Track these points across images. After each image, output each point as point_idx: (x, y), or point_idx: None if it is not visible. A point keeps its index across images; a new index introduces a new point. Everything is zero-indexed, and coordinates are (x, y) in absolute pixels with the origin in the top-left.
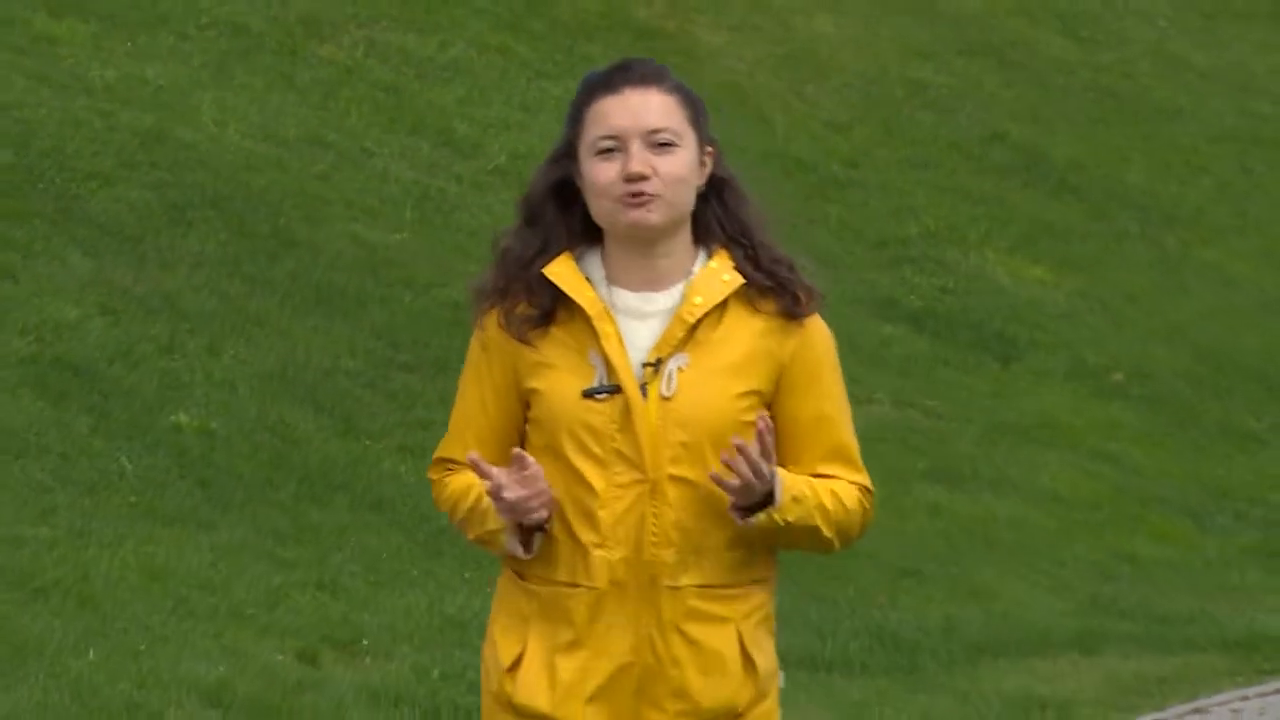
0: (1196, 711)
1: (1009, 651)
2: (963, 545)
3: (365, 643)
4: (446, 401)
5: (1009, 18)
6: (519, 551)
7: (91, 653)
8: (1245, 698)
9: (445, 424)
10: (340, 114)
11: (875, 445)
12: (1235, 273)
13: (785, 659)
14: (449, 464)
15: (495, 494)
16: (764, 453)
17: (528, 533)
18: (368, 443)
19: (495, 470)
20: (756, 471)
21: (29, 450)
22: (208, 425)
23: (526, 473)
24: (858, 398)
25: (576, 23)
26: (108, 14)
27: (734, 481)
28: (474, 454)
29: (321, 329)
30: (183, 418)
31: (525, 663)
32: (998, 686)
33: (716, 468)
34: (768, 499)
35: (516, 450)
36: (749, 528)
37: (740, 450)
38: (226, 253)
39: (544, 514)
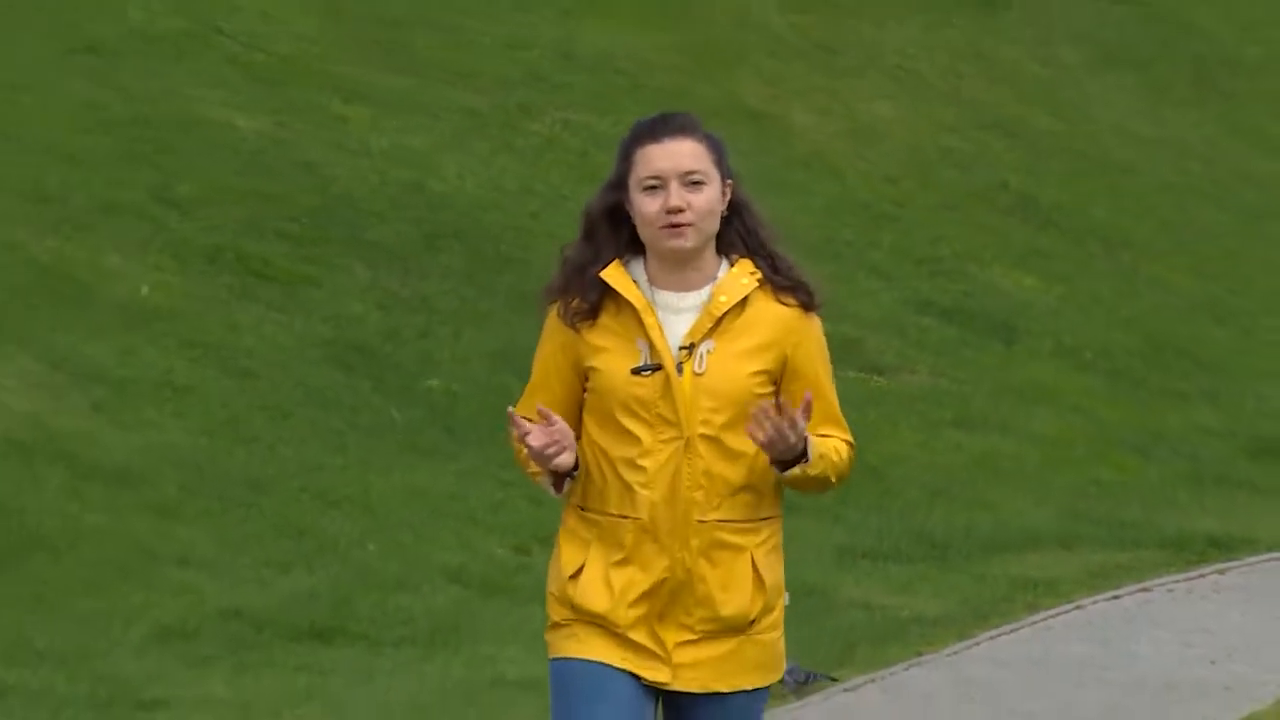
0: (1143, 590)
1: (1011, 548)
2: (978, 473)
3: None
4: None
5: (1012, 103)
6: (551, 492)
7: (370, 545)
8: (1177, 581)
9: None
10: (545, 171)
11: (917, 403)
12: (1172, 282)
13: (855, 553)
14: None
15: (522, 440)
16: (792, 423)
17: (559, 478)
18: None
19: (526, 423)
20: (780, 431)
21: (329, 404)
22: (451, 388)
23: (553, 427)
24: (905, 369)
25: (708, 108)
26: (383, 101)
27: (762, 437)
28: (511, 409)
29: (531, 322)
30: (434, 382)
31: (585, 573)
32: (1004, 571)
33: (740, 434)
34: (800, 457)
35: (542, 408)
36: (783, 478)
37: (766, 414)
38: (465, 268)
39: (567, 460)
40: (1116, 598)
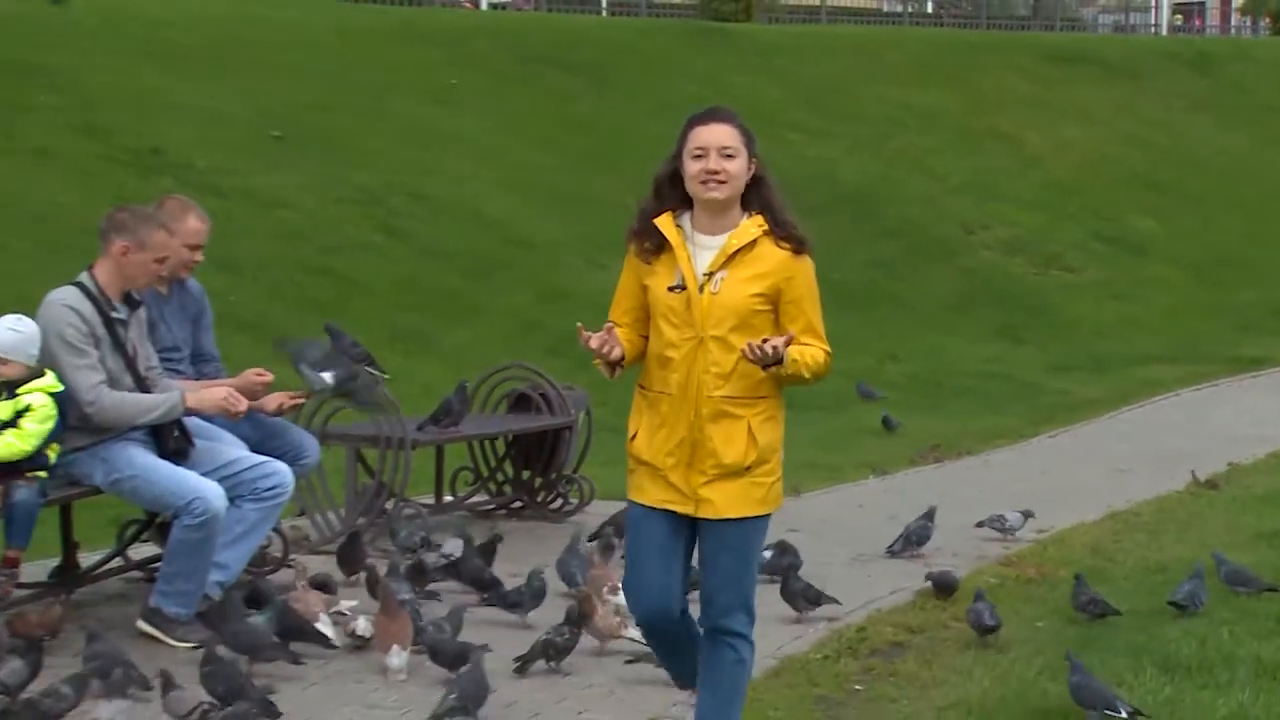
0: (1213, 386)
1: (1140, 363)
2: (1123, 323)
3: None
4: None
5: (1143, 129)
6: (607, 375)
7: None
8: (1233, 380)
9: None
10: (898, 166)
11: (1090, 287)
12: (1229, 223)
13: (1055, 366)
14: (609, 324)
15: (586, 343)
16: (774, 349)
17: (611, 367)
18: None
19: (587, 332)
20: (765, 355)
21: None
22: (846, 279)
23: (607, 334)
24: (1084, 270)
25: (978, 132)
26: (812, 131)
27: (753, 357)
28: (579, 325)
29: (845, 238)
30: (836, 274)
31: (639, 434)
32: (1135, 375)
33: (741, 337)
34: (777, 363)
35: (608, 323)
36: (765, 374)
37: (760, 346)
38: (857, 219)
39: (615, 353)
40: (1198, 389)
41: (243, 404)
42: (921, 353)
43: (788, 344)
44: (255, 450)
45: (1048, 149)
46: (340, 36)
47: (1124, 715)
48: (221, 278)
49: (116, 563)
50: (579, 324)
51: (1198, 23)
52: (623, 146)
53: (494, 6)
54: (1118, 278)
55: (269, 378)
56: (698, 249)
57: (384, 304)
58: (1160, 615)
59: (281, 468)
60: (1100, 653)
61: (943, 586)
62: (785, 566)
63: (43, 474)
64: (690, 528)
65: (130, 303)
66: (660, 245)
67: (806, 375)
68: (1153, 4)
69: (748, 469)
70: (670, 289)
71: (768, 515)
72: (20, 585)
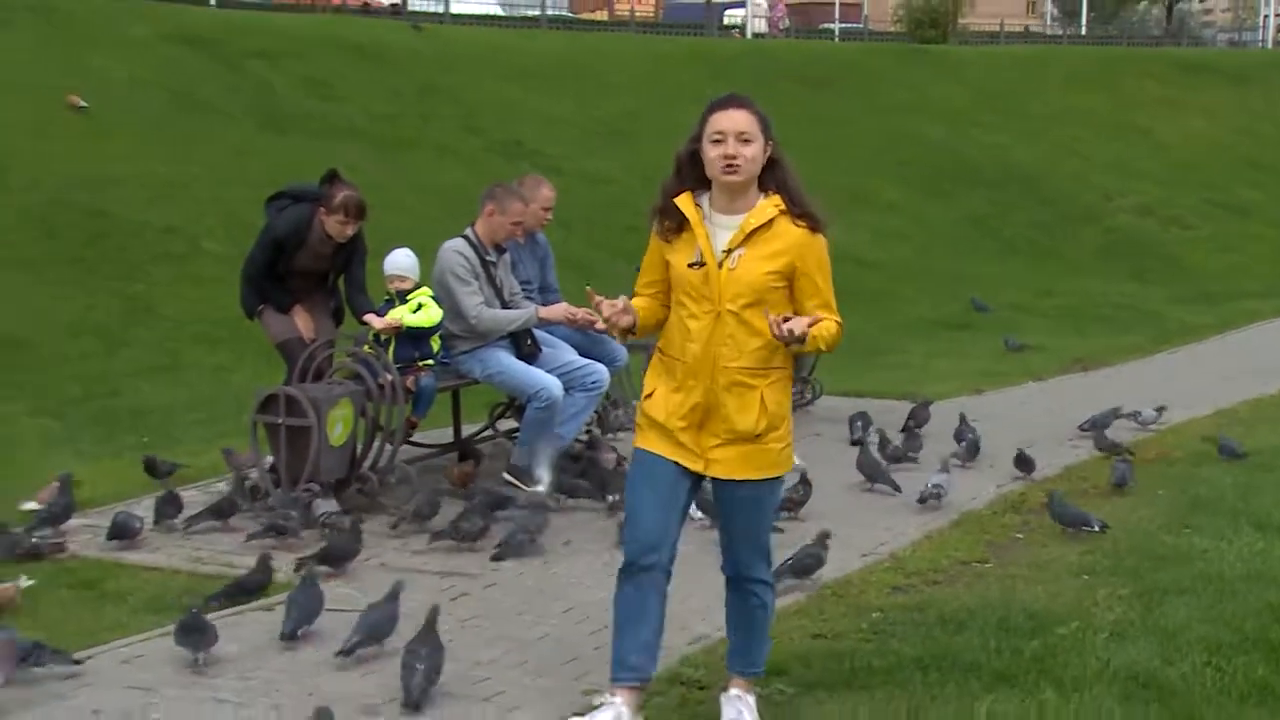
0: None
1: (1243, 298)
2: (1230, 270)
3: None
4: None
5: (1251, 120)
6: (619, 340)
7: None
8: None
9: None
10: (1055, 154)
11: (1202, 241)
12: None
13: (1172, 299)
14: (635, 294)
15: (598, 307)
16: (793, 331)
17: (624, 333)
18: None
19: (599, 299)
20: (790, 335)
21: (962, 249)
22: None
23: (618, 304)
24: (1197, 227)
25: (1118, 125)
26: (998, 128)
27: (778, 334)
28: (589, 288)
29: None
30: (1007, 232)
31: (655, 395)
32: (1239, 307)
33: (756, 311)
34: (799, 341)
35: (621, 297)
36: (788, 350)
37: (783, 325)
38: (1020, 192)
39: (626, 321)
40: None
41: (578, 313)
42: (1070, 290)
43: (811, 325)
44: (582, 355)
45: (1174, 137)
46: (644, 60)
47: (1097, 529)
48: (560, 233)
49: (488, 433)
50: (588, 287)
51: None
52: (847, 138)
53: (756, 36)
54: (1227, 234)
55: (595, 318)
56: (716, 228)
57: None
58: (1255, 486)
59: (601, 368)
60: (1207, 515)
61: (1019, 462)
62: (961, 434)
63: (430, 362)
64: (693, 482)
65: (499, 249)
66: (680, 224)
67: (822, 347)
68: (1260, 24)
69: (758, 436)
70: (690, 265)
71: (779, 477)
72: (421, 444)
